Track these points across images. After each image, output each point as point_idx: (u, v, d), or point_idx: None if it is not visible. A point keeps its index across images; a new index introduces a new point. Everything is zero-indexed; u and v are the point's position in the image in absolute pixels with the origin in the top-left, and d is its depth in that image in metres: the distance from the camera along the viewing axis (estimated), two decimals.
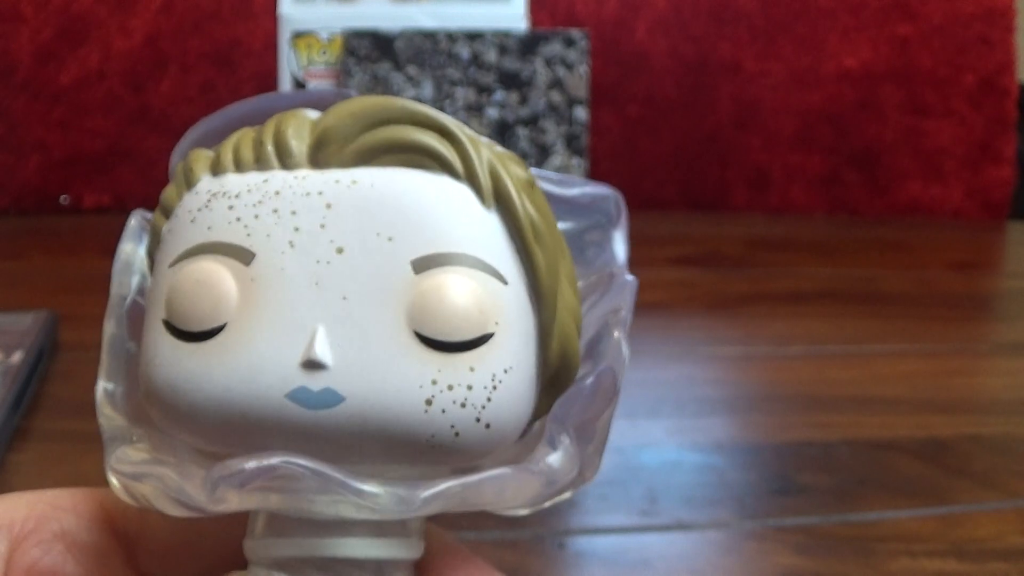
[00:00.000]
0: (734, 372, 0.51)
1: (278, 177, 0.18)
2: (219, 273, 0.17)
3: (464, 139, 0.18)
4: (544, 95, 0.68)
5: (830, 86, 0.94)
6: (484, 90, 0.69)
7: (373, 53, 0.69)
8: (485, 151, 0.18)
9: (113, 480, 0.18)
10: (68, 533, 0.20)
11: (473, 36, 0.69)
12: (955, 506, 0.36)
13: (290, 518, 0.18)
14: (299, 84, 0.72)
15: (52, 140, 0.89)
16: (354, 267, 0.17)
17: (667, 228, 0.86)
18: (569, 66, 0.68)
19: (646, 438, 0.42)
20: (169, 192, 0.19)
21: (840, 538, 0.33)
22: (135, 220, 0.20)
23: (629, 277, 0.20)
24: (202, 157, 0.19)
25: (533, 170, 0.20)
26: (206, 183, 0.18)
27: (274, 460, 0.16)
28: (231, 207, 0.18)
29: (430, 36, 0.69)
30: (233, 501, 0.17)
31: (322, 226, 0.17)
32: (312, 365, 0.17)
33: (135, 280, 0.20)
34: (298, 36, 0.71)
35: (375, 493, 0.16)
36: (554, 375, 0.19)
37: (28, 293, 0.62)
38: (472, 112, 0.68)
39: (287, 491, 0.17)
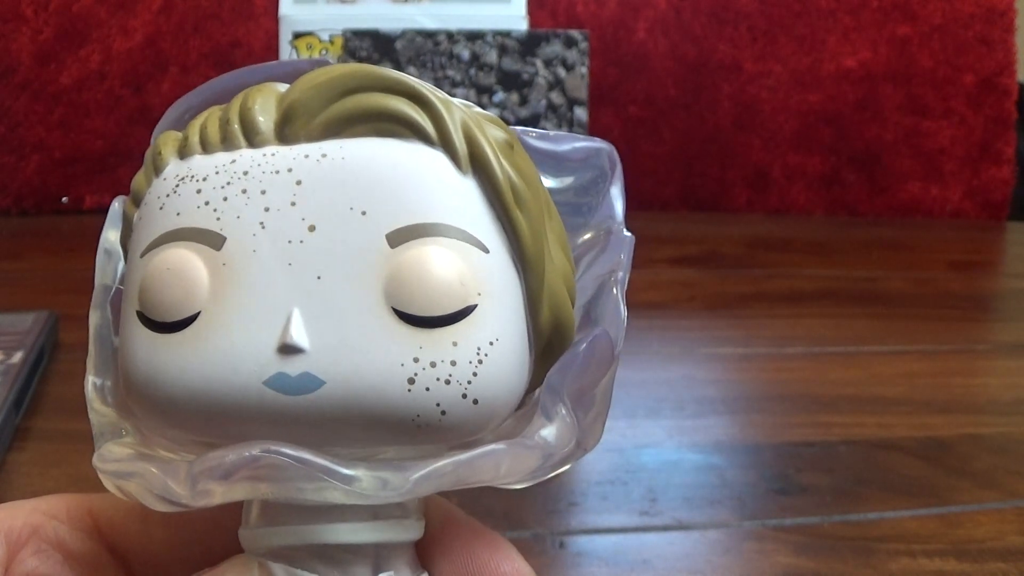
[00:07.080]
0: (734, 372, 0.51)
1: (246, 156, 0.17)
2: (190, 260, 0.17)
3: (436, 102, 0.17)
4: (544, 96, 0.68)
5: (830, 86, 0.94)
6: (484, 91, 0.69)
7: (373, 54, 0.69)
8: (459, 113, 0.17)
9: (103, 478, 0.17)
10: (64, 543, 0.20)
11: (473, 36, 0.69)
12: (955, 506, 0.36)
13: (283, 506, 0.18)
14: None
15: (52, 140, 0.89)
16: (328, 244, 0.16)
17: (667, 228, 0.85)
18: (569, 67, 0.68)
19: (646, 438, 0.42)
20: (138, 179, 0.18)
21: (840, 538, 0.33)
22: (117, 204, 0.20)
23: (627, 233, 0.19)
24: (170, 140, 0.18)
25: (520, 128, 0.20)
26: (173, 167, 0.18)
27: (255, 450, 0.16)
28: (199, 191, 0.17)
29: (430, 36, 0.69)
30: (217, 493, 0.16)
31: (293, 204, 0.17)
32: (288, 350, 0.16)
33: (119, 267, 0.19)
34: (298, 36, 0.71)
35: (361, 478, 0.16)
36: (547, 343, 0.18)
37: (28, 293, 0.62)
38: None
39: (273, 480, 0.16)
